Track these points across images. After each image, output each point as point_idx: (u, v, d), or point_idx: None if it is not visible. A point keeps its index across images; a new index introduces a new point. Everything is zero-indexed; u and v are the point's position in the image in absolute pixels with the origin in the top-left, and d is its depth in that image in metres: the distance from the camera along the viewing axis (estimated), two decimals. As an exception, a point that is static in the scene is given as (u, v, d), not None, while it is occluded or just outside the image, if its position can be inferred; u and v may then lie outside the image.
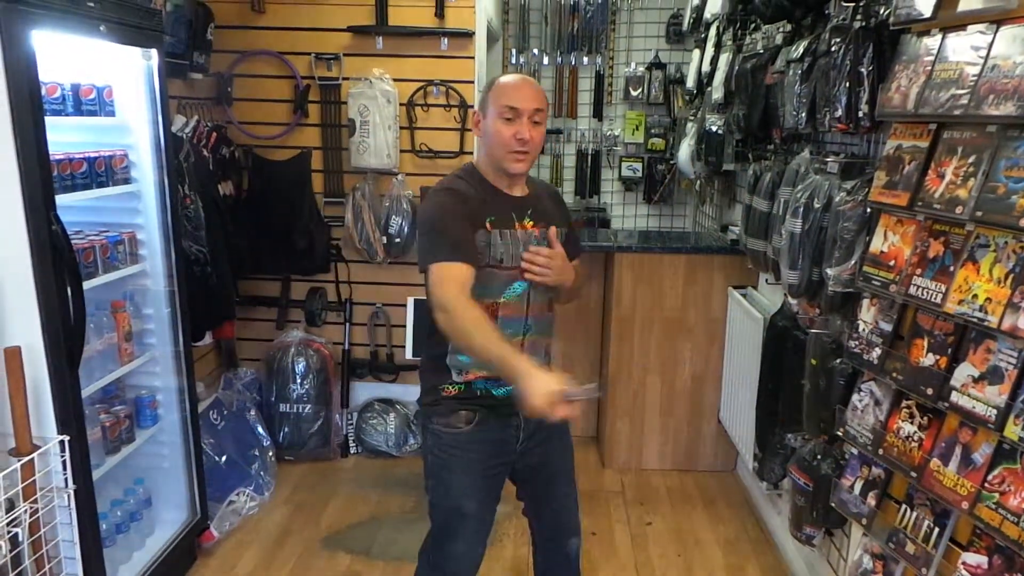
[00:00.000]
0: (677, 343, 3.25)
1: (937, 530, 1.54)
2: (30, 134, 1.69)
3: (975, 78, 1.43)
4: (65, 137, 1.98)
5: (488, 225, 1.62)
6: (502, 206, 1.65)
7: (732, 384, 3.09)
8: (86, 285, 1.92)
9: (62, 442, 1.79)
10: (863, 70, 1.80)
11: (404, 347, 3.23)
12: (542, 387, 1.35)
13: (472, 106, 3.23)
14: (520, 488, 1.87)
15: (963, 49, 1.48)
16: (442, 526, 1.76)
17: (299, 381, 3.27)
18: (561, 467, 1.85)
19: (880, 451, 1.67)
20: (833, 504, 1.87)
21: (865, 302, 1.78)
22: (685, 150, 3.63)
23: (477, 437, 1.70)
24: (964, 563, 1.45)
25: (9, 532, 1.66)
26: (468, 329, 1.47)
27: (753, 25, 2.82)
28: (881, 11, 1.78)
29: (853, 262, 1.81)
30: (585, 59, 4.31)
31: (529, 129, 1.60)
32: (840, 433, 1.83)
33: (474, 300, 1.53)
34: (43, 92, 1.79)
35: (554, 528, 1.87)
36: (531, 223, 1.68)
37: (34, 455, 1.71)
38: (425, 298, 1.64)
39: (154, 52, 2.24)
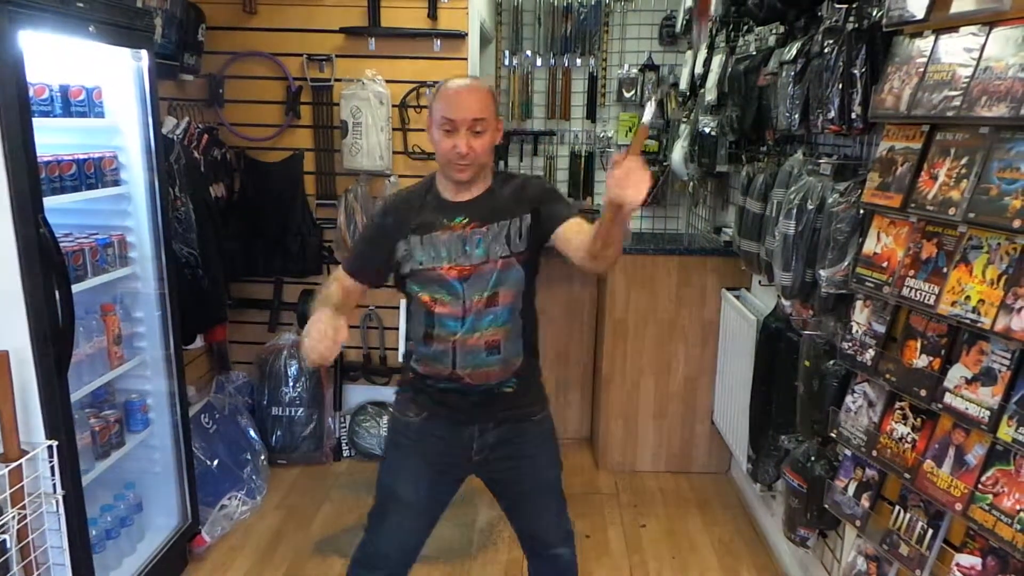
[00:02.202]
0: (670, 345, 3.24)
1: (931, 531, 1.54)
2: (17, 136, 1.67)
3: (968, 80, 1.43)
4: (53, 139, 1.96)
5: (410, 234, 1.66)
6: (434, 211, 1.67)
7: (725, 386, 3.09)
8: (75, 288, 1.90)
9: (50, 447, 1.77)
10: (856, 72, 1.80)
11: (397, 350, 3.22)
12: (314, 318, 1.48)
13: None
14: (496, 498, 1.87)
15: (956, 51, 1.48)
16: (378, 502, 1.79)
17: (291, 384, 3.25)
18: (536, 486, 1.81)
19: (874, 452, 1.67)
20: (827, 506, 1.87)
21: (858, 303, 1.78)
22: (678, 152, 3.63)
23: (425, 429, 1.73)
24: (958, 564, 1.45)
25: (-3, 539, 1.64)
26: (317, 297, 1.72)
27: (746, 27, 2.82)
28: (874, 13, 1.78)
29: (846, 264, 1.81)
30: (578, 61, 4.30)
31: (468, 141, 1.57)
32: (833, 435, 1.83)
33: (416, 293, 1.68)
34: (31, 93, 1.78)
35: (533, 541, 1.87)
36: (464, 221, 1.65)
37: (22, 460, 1.70)
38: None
39: (144, 53, 2.22)
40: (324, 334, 1.44)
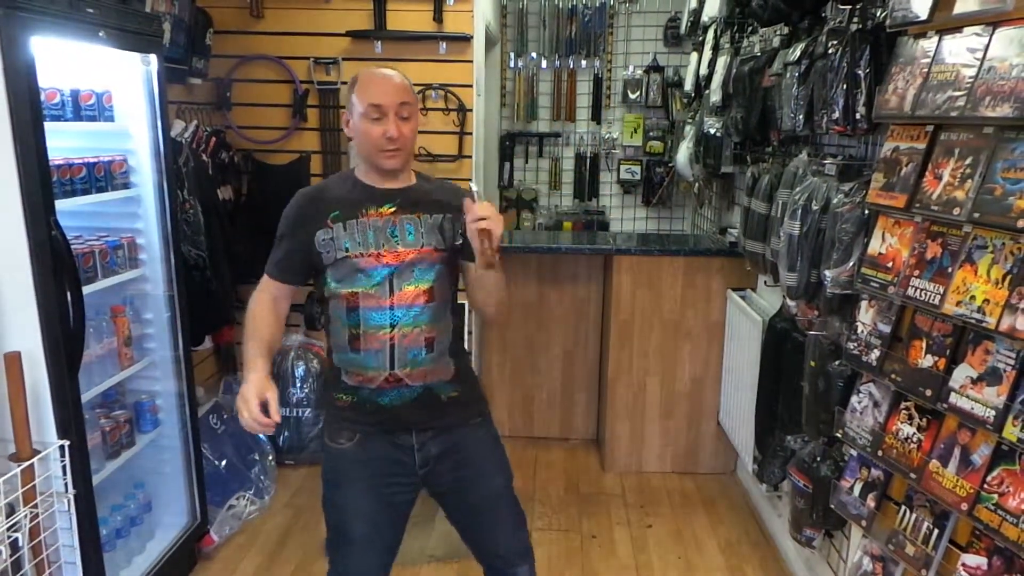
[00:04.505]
0: (676, 345, 3.25)
1: (936, 531, 1.54)
2: (29, 139, 1.69)
3: (972, 80, 1.43)
4: (64, 142, 1.98)
5: (329, 222, 1.57)
6: (356, 197, 1.60)
7: (731, 386, 3.09)
8: (86, 290, 1.92)
9: (62, 447, 1.79)
10: (860, 72, 1.81)
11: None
12: (245, 388, 1.48)
13: (470, 109, 3.24)
14: (446, 513, 1.78)
15: (959, 51, 1.49)
16: (331, 543, 1.70)
17: (299, 385, 3.27)
18: (485, 494, 1.71)
19: (879, 453, 1.67)
20: (833, 506, 1.87)
21: (863, 304, 1.78)
22: (683, 153, 3.63)
23: (362, 456, 1.63)
24: (964, 564, 1.45)
25: (9, 537, 1.66)
26: (246, 325, 1.63)
27: (750, 28, 2.83)
28: (878, 13, 1.78)
29: (851, 264, 1.82)
30: (583, 62, 4.32)
31: (397, 125, 1.54)
32: (839, 435, 1.83)
33: (335, 291, 1.59)
34: (42, 98, 1.80)
35: (489, 556, 1.78)
36: (390, 209, 1.58)
37: (34, 460, 1.71)
38: None
39: (153, 57, 2.24)
40: (256, 419, 1.45)
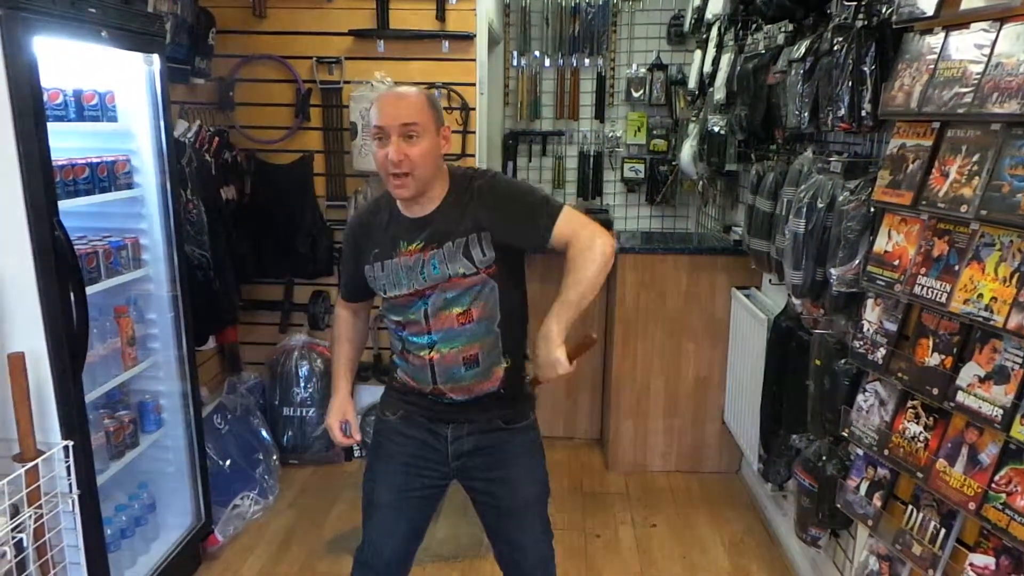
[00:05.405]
0: (681, 344, 3.24)
1: (944, 531, 1.53)
2: (32, 140, 1.69)
3: (979, 76, 1.42)
4: (67, 143, 1.98)
5: (372, 259, 1.63)
6: (390, 233, 1.60)
7: (736, 385, 3.08)
8: (89, 290, 1.92)
9: (66, 447, 1.79)
10: (866, 69, 1.80)
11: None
12: (329, 412, 1.79)
13: (473, 108, 3.24)
14: (476, 511, 1.79)
15: (966, 47, 1.48)
16: (363, 504, 1.77)
17: (303, 385, 3.27)
18: (515, 501, 1.72)
19: (886, 452, 1.67)
20: (839, 505, 1.86)
21: (869, 302, 1.77)
22: (687, 151, 3.62)
23: (402, 430, 1.71)
24: (971, 564, 1.44)
25: (14, 538, 1.66)
26: (331, 342, 1.90)
27: (755, 25, 2.81)
28: (883, 10, 1.77)
29: (857, 262, 1.81)
30: (586, 61, 4.31)
31: (399, 147, 1.47)
32: (845, 434, 1.82)
33: (387, 315, 1.70)
34: (45, 98, 1.80)
35: (511, 565, 1.78)
36: (419, 246, 1.56)
37: (38, 460, 1.71)
38: None
39: (156, 57, 2.24)
40: (340, 443, 1.78)
